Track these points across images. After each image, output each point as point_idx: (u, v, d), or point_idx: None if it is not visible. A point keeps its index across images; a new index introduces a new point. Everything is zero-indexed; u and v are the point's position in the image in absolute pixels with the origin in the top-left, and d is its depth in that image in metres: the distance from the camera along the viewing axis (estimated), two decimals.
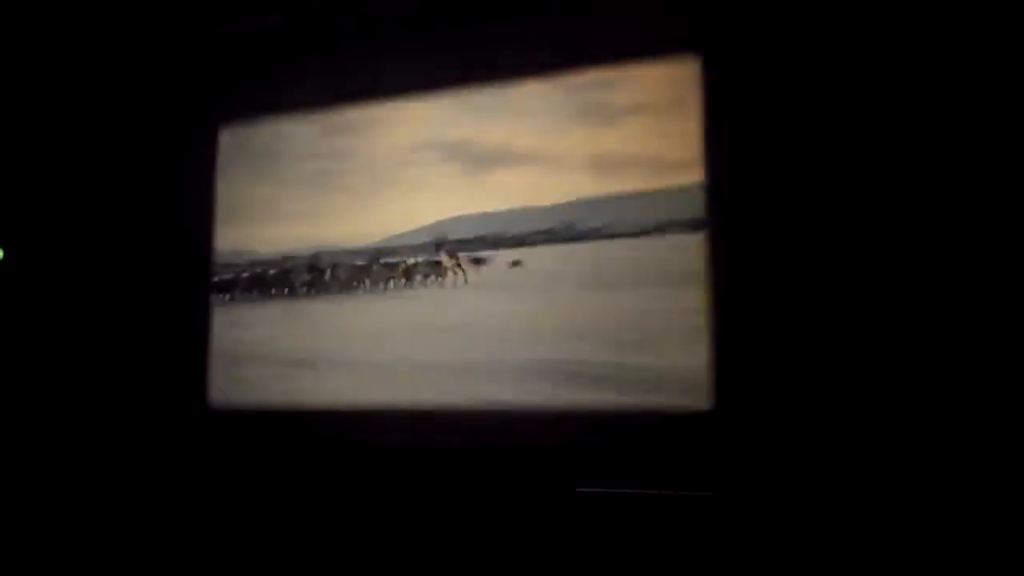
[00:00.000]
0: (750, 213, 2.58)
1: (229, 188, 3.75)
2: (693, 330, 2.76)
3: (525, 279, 3.30)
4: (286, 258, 3.74)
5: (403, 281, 3.55)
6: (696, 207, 2.91)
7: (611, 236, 3.17)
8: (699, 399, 2.63)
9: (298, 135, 3.68)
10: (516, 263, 3.33)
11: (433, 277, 3.49)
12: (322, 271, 3.67)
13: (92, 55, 3.58)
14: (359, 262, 3.62)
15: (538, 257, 3.31)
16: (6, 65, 3.58)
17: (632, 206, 3.10)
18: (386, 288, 3.58)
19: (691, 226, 2.93)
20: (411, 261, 3.53)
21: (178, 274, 3.52)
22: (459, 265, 3.43)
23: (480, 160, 3.39)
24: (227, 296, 3.78)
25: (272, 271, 3.76)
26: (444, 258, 3.47)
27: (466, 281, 3.42)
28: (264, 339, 3.65)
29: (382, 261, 3.57)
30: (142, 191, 3.58)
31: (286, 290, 3.74)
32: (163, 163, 3.57)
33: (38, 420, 3.44)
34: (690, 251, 2.90)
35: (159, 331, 3.48)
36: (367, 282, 3.60)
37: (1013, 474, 2.09)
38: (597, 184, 3.16)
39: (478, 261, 3.42)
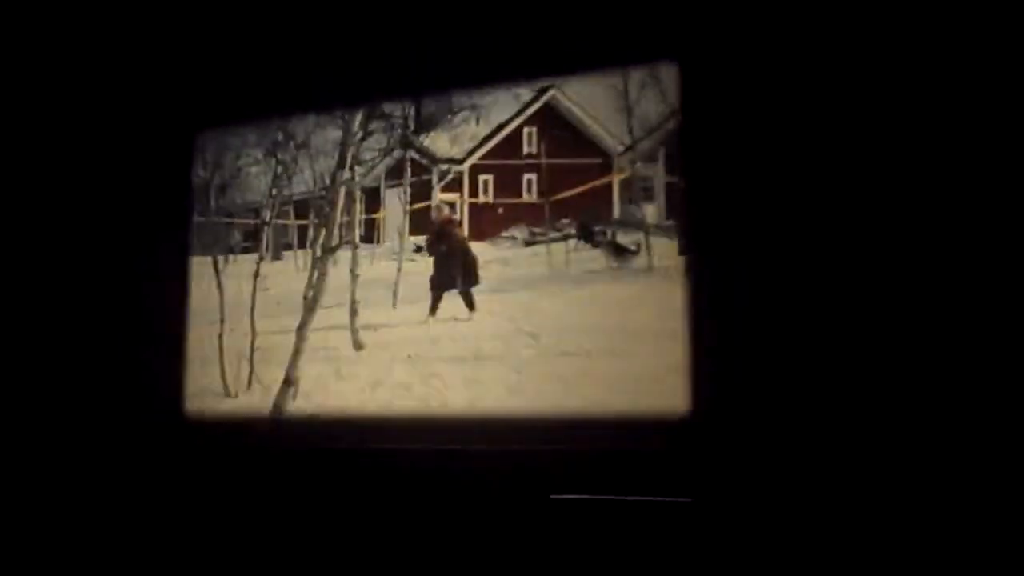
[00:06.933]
0: (728, 213, 2.58)
1: None
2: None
3: None
4: None
5: None
6: None
7: None
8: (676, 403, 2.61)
9: None
10: None
11: None
12: None
13: (73, 57, 3.57)
14: None
15: None
16: None
17: None
18: None
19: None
20: None
21: (154, 273, 3.48)
22: None
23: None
24: None
25: None
26: None
27: None
28: None
29: None
30: (116, 192, 3.56)
31: None
32: (138, 163, 3.55)
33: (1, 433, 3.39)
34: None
35: (133, 334, 3.43)
36: None
37: (993, 484, 2.09)
38: None
39: None
